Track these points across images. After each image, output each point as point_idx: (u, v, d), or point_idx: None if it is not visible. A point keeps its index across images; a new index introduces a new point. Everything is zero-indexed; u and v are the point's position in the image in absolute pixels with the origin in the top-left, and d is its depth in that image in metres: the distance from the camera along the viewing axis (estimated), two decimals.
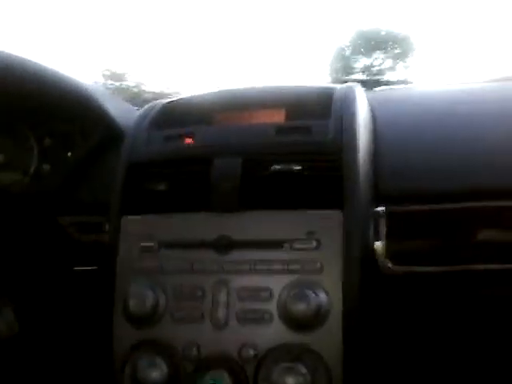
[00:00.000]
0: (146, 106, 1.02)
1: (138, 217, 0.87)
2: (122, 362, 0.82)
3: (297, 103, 0.94)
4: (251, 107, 0.97)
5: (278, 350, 0.76)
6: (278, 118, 0.93)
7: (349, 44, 20.33)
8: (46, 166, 1.10)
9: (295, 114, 0.92)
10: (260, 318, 0.77)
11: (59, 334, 1.00)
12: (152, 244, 0.84)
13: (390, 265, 0.81)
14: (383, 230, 0.81)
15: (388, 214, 0.82)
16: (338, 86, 0.94)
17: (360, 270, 0.77)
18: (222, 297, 0.79)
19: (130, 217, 0.87)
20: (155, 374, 0.78)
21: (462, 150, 0.87)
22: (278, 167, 0.82)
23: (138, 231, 0.86)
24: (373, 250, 0.81)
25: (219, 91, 1.04)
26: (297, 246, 0.79)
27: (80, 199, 1.00)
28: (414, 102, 1.01)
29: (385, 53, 19.96)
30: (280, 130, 0.88)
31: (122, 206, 0.88)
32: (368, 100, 0.96)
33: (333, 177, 0.80)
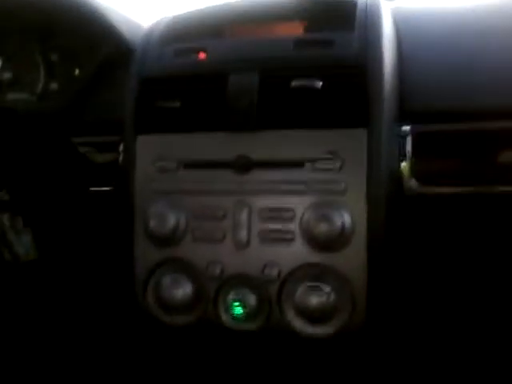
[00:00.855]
0: (155, 20, 0.97)
1: (154, 136, 0.85)
2: (145, 280, 0.83)
3: (317, 15, 0.89)
4: (267, 20, 0.92)
5: (301, 270, 0.76)
6: (297, 30, 0.89)
7: None
8: (54, 85, 1.08)
9: (315, 26, 0.88)
10: (282, 238, 0.77)
11: (79, 256, 1.00)
12: (169, 164, 0.83)
13: (415, 185, 0.80)
14: (409, 149, 0.79)
15: (414, 133, 0.79)
16: None
17: (385, 191, 0.76)
18: (243, 217, 0.78)
19: (145, 136, 0.85)
20: (179, 292, 0.80)
21: (490, 68, 0.83)
22: (298, 83, 0.78)
23: (154, 151, 0.84)
24: (398, 170, 0.79)
25: (231, 3, 0.98)
26: (319, 165, 0.77)
27: (91, 118, 0.97)
28: (440, 17, 0.95)
29: None
30: (299, 42, 0.83)
31: (137, 125, 0.86)
32: (393, 12, 0.91)
33: (357, 93, 0.77)
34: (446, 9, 1.03)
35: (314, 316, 0.76)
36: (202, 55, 0.87)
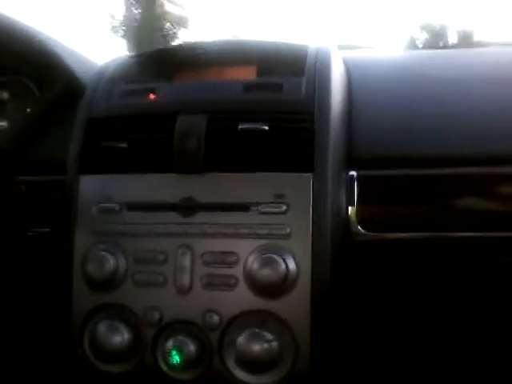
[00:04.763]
0: (107, 60, 0.97)
1: (98, 176, 0.82)
2: (81, 327, 0.79)
3: (267, 60, 0.89)
4: (219, 63, 0.92)
5: (244, 317, 0.74)
6: (248, 74, 0.89)
7: None
8: (3, 123, 1.05)
9: (266, 71, 0.88)
10: (225, 284, 0.75)
11: (14, 302, 0.96)
12: (112, 205, 0.80)
13: (361, 231, 0.79)
14: (355, 194, 0.78)
15: (361, 179, 0.79)
16: (313, 44, 0.90)
17: (330, 236, 0.74)
18: (186, 261, 0.76)
19: (88, 176, 0.83)
20: (115, 339, 0.76)
21: (437, 115, 0.84)
22: (245, 126, 0.78)
23: (97, 191, 0.81)
24: (344, 216, 0.78)
25: (185, 45, 0.99)
26: (264, 209, 0.75)
27: (37, 158, 0.94)
28: (393, 67, 0.97)
29: None
30: (249, 86, 0.84)
31: (81, 164, 0.83)
32: (344, 61, 0.92)
33: (304, 138, 0.77)
34: (399, 59, 1.06)
35: (255, 365, 0.73)
36: (152, 96, 0.86)
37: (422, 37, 16.04)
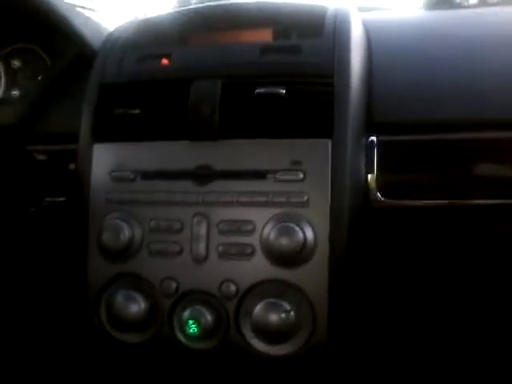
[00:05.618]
0: (119, 25, 0.94)
1: (111, 145, 0.81)
2: (97, 296, 0.78)
3: (284, 22, 0.86)
4: (234, 26, 0.89)
5: (260, 286, 0.73)
6: (264, 37, 0.86)
7: None
8: (15, 92, 1.03)
9: (283, 33, 0.85)
10: (242, 253, 0.73)
11: (30, 272, 0.96)
12: (127, 174, 0.79)
13: (381, 198, 0.76)
14: (375, 161, 0.76)
15: (381, 144, 0.76)
16: (331, 6, 0.86)
17: (349, 204, 0.72)
18: (202, 230, 0.75)
19: (102, 144, 0.81)
20: (132, 309, 0.75)
21: (460, 78, 0.80)
22: (262, 90, 0.75)
23: (111, 160, 0.80)
24: (363, 183, 0.76)
25: (198, 8, 0.95)
26: (282, 176, 0.73)
27: (49, 127, 0.92)
28: (413, 29, 0.93)
29: None
30: (266, 49, 0.81)
31: (94, 133, 0.82)
32: (363, 22, 0.89)
33: (323, 102, 0.74)
34: (419, 20, 1.01)
35: (273, 335, 0.72)
36: (165, 61, 0.84)
37: None
